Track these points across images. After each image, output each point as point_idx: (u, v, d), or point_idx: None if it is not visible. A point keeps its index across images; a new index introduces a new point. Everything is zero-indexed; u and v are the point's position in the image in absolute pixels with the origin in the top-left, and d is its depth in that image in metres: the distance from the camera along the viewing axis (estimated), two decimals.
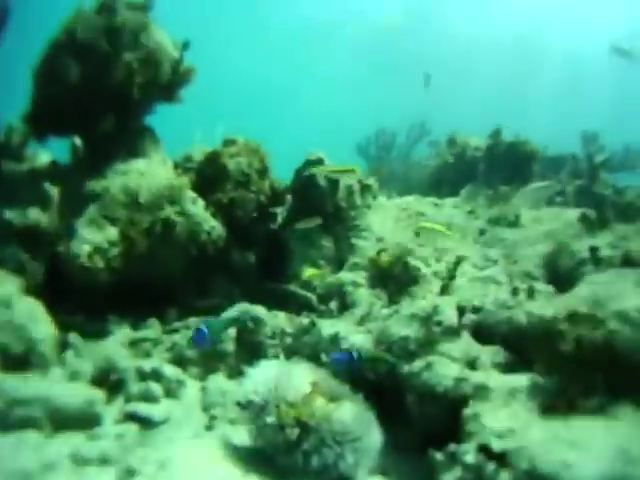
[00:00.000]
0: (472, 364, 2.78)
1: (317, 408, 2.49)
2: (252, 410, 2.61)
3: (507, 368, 2.77)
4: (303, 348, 3.67)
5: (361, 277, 4.28)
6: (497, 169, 6.43)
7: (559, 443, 2.09)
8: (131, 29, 4.19)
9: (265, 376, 2.68)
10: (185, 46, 4.43)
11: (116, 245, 3.82)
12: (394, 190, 6.93)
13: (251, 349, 3.92)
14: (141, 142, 4.38)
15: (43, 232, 3.93)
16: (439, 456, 2.27)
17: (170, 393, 3.36)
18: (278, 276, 4.68)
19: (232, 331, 3.86)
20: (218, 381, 3.58)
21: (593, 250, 3.21)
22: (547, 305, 2.77)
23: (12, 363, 3.09)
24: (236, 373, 3.76)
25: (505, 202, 4.97)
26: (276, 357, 3.87)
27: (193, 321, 4.09)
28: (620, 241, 3.45)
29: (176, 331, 3.98)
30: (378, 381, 3.12)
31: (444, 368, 2.77)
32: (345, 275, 4.35)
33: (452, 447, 2.26)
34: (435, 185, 6.99)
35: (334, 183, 4.75)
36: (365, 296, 4.10)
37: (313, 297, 4.41)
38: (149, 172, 4.15)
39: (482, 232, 4.51)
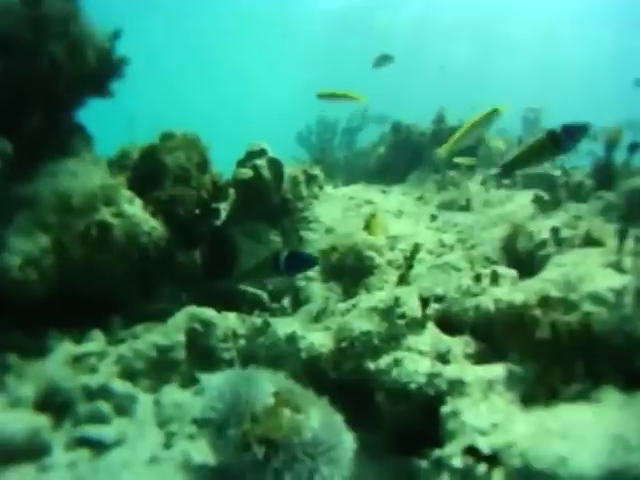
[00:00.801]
0: (443, 357, 2.61)
1: (283, 421, 2.26)
2: (211, 428, 2.35)
3: (479, 358, 2.61)
4: (259, 350, 3.42)
5: (313, 270, 4.05)
6: None
7: (549, 435, 1.93)
8: (57, 19, 3.77)
9: (222, 389, 2.42)
10: (116, 35, 4.04)
11: (49, 253, 3.43)
12: (339, 179, 6.75)
13: (203, 355, 3.64)
14: (72, 140, 3.97)
15: None
16: (424, 464, 2.08)
17: (121, 411, 3.05)
18: (226, 275, 4.40)
19: (182, 338, 3.57)
20: (172, 393, 3.28)
21: (554, 230, 3.10)
22: (515, 290, 2.63)
23: None
24: (189, 382, 3.49)
25: (455, 186, 4.86)
26: (230, 361, 3.62)
27: (140, 328, 3.78)
28: (575, 221, 3.38)
29: (122, 341, 3.66)
30: (340, 380, 2.92)
31: (414, 364, 2.59)
32: None
33: (437, 452, 2.07)
34: (380, 173, 6.84)
35: (279, 175, 4.50)
36: (319, 290, 3.89)
37: (264, 295, 4.15)
38: (81, 172, 3.76)
39: (433, 217, 4.37)
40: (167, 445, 2.78)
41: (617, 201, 3.48)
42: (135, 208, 3.87)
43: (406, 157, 6.66)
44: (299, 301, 3.94)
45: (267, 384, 2.49)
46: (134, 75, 4.28)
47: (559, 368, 2.18)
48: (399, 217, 4.38)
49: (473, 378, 2.36)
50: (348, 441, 2.36)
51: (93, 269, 3.61)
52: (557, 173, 4.41)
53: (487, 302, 2.73)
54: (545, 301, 2.37)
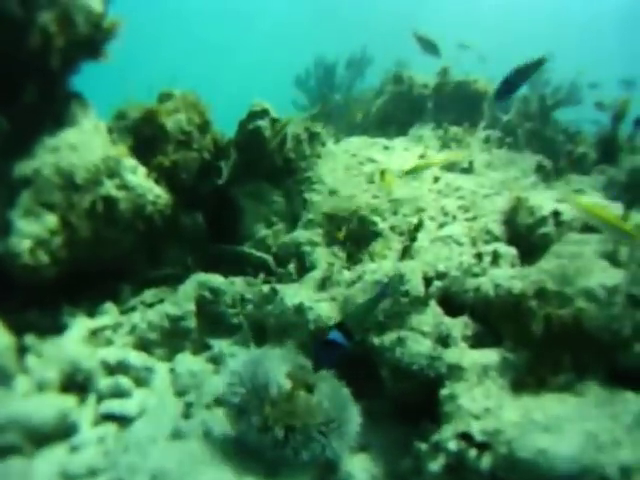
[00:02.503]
0: (443, 341, 2.97)
1: (299, 404, 2.65)
2: (233, 410, 2.75)
3: (476, 340, 2.98)
4: (267, 318, 3.77)
5: (317, 235, 4.33)
6: (446, 108, 6.46)
7: (533, 426, 2.32)
8: None
9: (241, 374, 2.80)
10: None
11: (58, 234, 3.66)
12: (339, 126, 6.86)
13: (213, 321, 4.00)
14: (69, 109, 4.11)
15: None
16: (424, 447, 2.49)
17: (140, 382, 3.44)
18: (230, 237, 4.68)
19: (192, 307, 3.92)
20: (186, 361, 3.68)
21: (556, 214, 3.38)
22: (514, 277, 2.94)
23: None
24: (201, 348, 3.88)
25: (457, 143, 5.06)
26: (239, 326, 3.97)
27: (149, 294, 4.10)
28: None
29: (133, 309, 4.00)
30: None
31: (417, 345, 2.95)
32: (301, 234, 4.40)
33: (435, 436, 2.47)
34: (380, 124, 6.95)
35: (282, 134, 4.67)
36: (324, 256, 4.18)
37: (270, 259, 4.45)
38: (82, 144, 3.94)
39: (436, 179, 4.61)
40: (187, 415, 3.19)
41: (619, 177, 3.72)
42: (139, 178, 4.09)
43: (407, 109, 6.78)
44: (304, 266, 4.23)
45: (281, 366, 2.87)
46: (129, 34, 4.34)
47: (549, 359, 2.54)
48: (401, 177, 4.60)
49: (470, 363, 2.74)
50: (354, 414, 2.81)
51: (101, 244, 3.87)
52: (559, 137, 4.61)
53: (487, 285, 3.05)
54: (541, 293, 2.69)
